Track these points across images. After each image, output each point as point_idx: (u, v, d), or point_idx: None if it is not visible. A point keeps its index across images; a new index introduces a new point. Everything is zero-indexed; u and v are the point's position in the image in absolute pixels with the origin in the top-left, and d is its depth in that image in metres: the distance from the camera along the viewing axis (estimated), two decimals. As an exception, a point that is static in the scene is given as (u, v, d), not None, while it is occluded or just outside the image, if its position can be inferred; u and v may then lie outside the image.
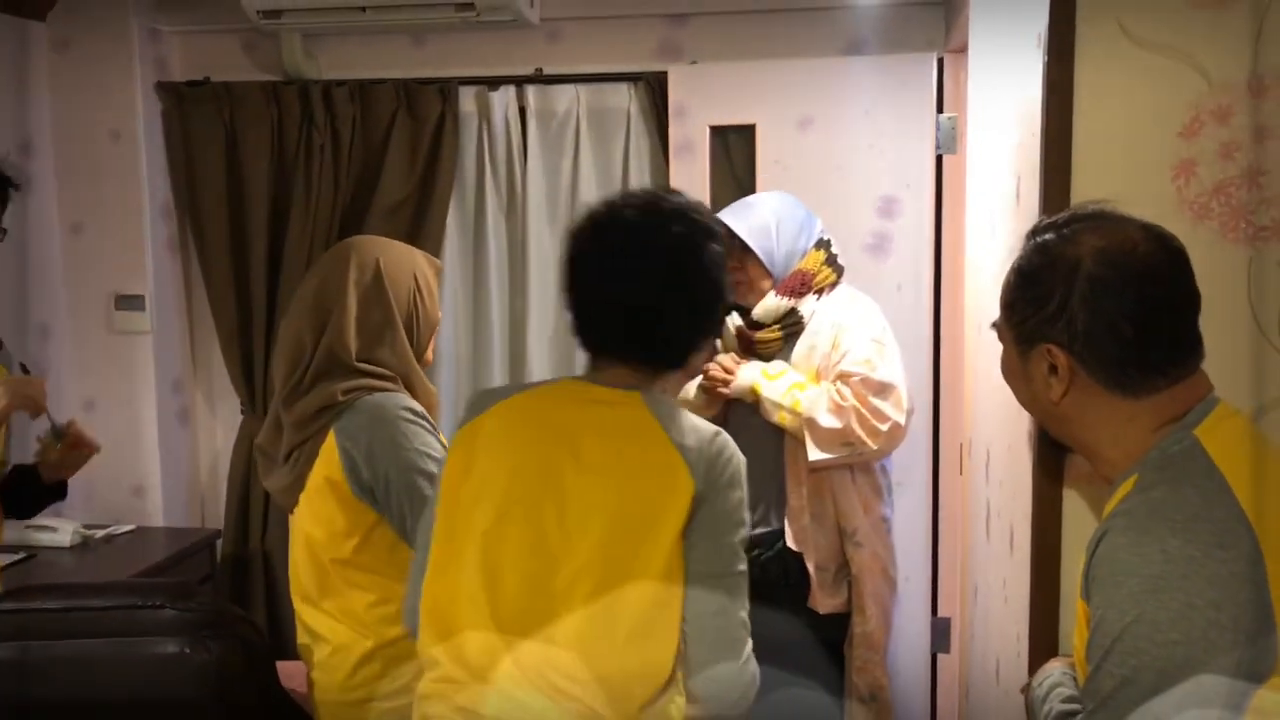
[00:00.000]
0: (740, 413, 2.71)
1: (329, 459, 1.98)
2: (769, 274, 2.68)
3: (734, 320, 2.74)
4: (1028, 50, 1.86)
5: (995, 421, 2.25)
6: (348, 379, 1.99)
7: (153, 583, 2.38)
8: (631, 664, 1.51)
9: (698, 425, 1.61)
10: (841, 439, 2.56)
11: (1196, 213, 1.59)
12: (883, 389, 2.58)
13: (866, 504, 2.70)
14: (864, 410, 2.54)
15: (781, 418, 2.60)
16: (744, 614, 1.58)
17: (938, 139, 3.33)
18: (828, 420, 2.55)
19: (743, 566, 1.59)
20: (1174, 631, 1.20)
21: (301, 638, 2.14)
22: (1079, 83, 1.60)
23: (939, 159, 3.37)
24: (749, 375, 2.65)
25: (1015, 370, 1.46)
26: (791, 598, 2.68)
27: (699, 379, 2.74)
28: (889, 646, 2.77)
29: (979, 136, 2.55)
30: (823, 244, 2.74)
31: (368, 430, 1.95)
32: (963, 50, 3.25)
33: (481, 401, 1.70)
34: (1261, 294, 1.60)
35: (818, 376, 2.64)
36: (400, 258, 2.10)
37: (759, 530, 2.69)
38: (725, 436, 1.62)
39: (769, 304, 2.67)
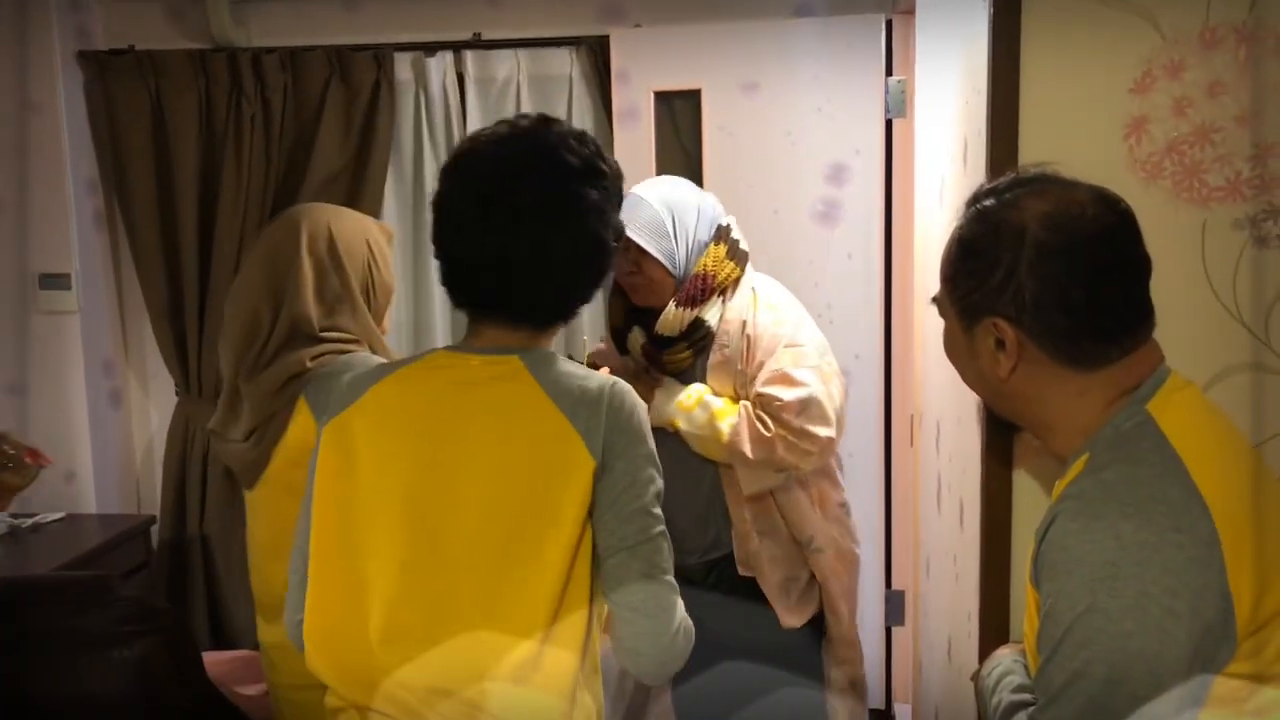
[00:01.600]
0: (670, 438, 2.41)
1: (304, 425, 1.87)
2: (671, 274, 2.36)
3: (639, 337, 2.43)
4: (977, 7, 1.78)
5: (945, 393, 2.19)
6: (312, 346, 1.92)
7: (70, 577, 2.27)
8: (535, 683, 1.41)
9: (585, 381, 1.46)
10: (772, 467, 2.33)
11: (1149, 172, 1.53)
12: (804, 407, 2.28)
13: (823, 499, 2.47)
14: (789, 436, 2.29)
15: (707, 450, 2.37)
16: (668, 578, 1.46)
17: (887, 103, 3.26)
18: (755, 452, 2.30)
19: (659, 528, 1.46)
20: (1128, 621, 1.14)
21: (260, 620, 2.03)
22: (1026, 35, 1.52)
23: (889, 124, 3.29)
24: (663, 413, 2.37)
25: (959, 347, 1.38)
26: (754, 615, 2.44)
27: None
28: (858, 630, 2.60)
29: (928, 99, 2.48)
30: (721, 233, 2.40)
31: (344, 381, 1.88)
32: (911, 11, 3.17)
33: (347, 390, 1.52)
34: (1215, 257, 1.53)
35: (736, 394, 2.38)
36: (352, 224, 2.02)
37: (714, 555, 2.44)
38: (618, 385, 1.47)
39: (670, 317, 2.35)
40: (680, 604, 1.48)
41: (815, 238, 3.30)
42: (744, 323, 2.36)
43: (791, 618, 2.44)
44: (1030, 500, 1.61)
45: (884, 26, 3.25)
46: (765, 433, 2.29)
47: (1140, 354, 1.28)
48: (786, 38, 3.28)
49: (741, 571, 2.41)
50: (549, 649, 1.41)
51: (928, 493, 2.55)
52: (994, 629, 1.62)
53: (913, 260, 3.10)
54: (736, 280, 2.40)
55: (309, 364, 1.90)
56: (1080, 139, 1.52)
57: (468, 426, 1.44)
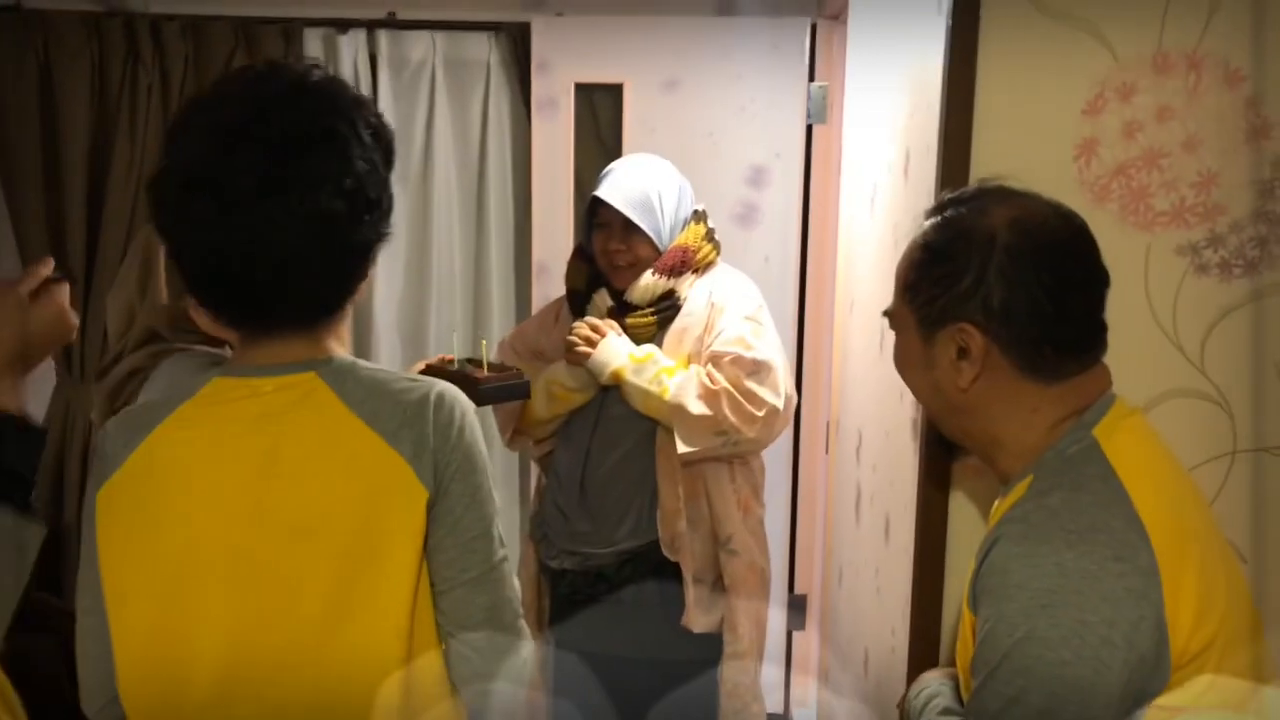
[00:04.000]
0: (605, 406, 2.41)
1: None
2: (657, 251, 2.37)
3: (604, 300, 2.43)
4: (917, 15, 1.76)
5: (870, 404, 2.17)
6: (163, 343, 1.85)
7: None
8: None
9: (401, 395, 1.27)
10: (713, 427, 2.26)
11: (1097, 194, 1.52)
12: (757, 368, 2.28)
13: (745, 506, 2.43)
14: (737, 394, 2.25)
15: (648, 405, 2.31)
16: (514, 607, 1.33)
17: (809, 108, 3.25)
18: (697, 407, 2.25)
19: (502, 553, 1.31)
20: (1065, 650, 1.13)
21: None
22: (983, 51, 1.50)
23: (809, 129, 3.28)
24: (613, 354, 2.32)
25: (915, 358, 1.34)
26: (664, 619, 2.38)
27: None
28: (760, 666, 2.49)
29: (859, 107, 2.46)
30: (700, 216, 2.46)
31: (165, 382, 1.78)
32: (837, 16, 3.17)
33: (118, 445, 1.29)
34: (1157, 282, 1.54)
35: (688, 362, 2.36)
36: None
37: (627, 545, 2.38)
38: (443, 394, 1.29)
39: (645, 283, 2.35)
40: (527, 637, 1.35)
41: (733, 239, 3.25)
42: (710, 293, 2.39)
43: (697, 617, 2.38)
44: (965, 523, 1.60)
45: (808, 30, 3.23)
46: (712, 385, 2.27)
47: (1092, 375, 1.28)
48: (710, 35, 3.25)
49: (666, 554, 2.36)
50: (407, 692, 1.27)
51: (844, 501, 2.54)
52: (923, 651, 1.60)
53: (831, 266, 3.09)
54: (710, 265, 2.45)
55: (148, 361, 1.83)
56: (1031, 158, 1.51)
57: (275, 465, 1.25)
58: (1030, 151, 1.52)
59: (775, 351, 2.35)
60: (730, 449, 2.32)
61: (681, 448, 2.28)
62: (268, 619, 1.24)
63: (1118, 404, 1.28)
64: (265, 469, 1.25)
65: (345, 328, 1.37)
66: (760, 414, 2.27)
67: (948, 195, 1.34)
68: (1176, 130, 1.51)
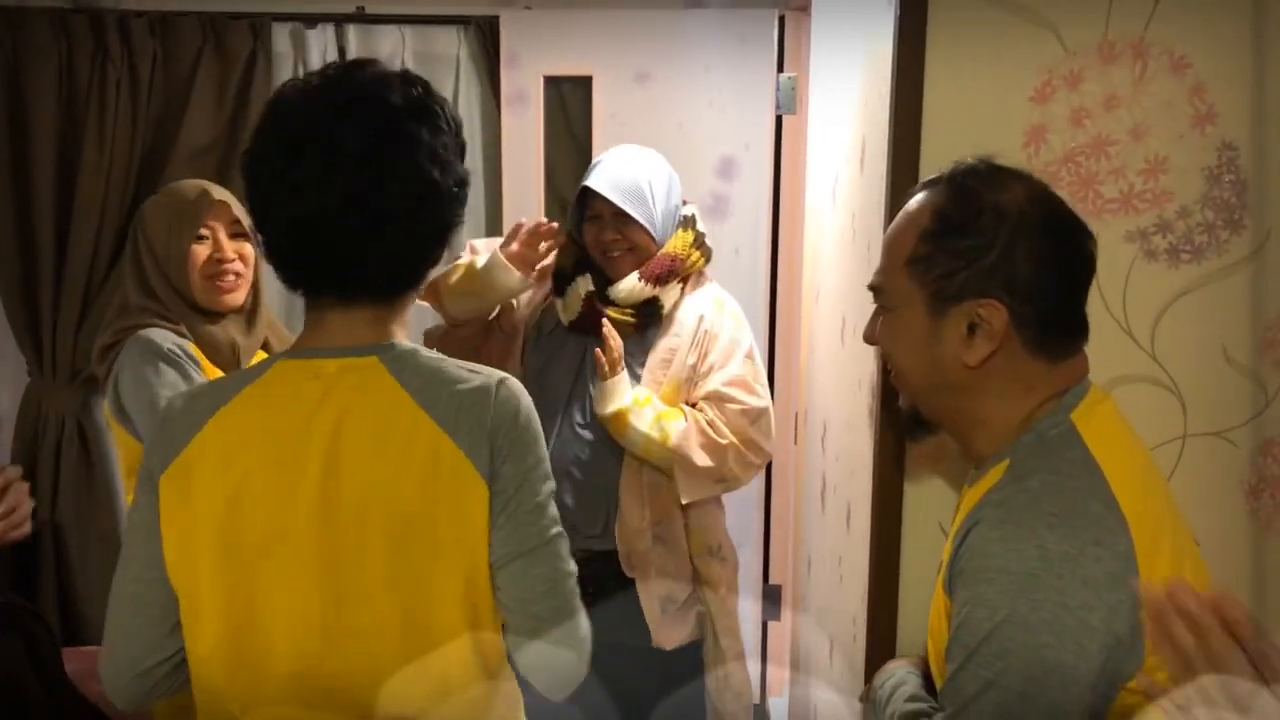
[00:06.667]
0: (568, 417, 2.38)
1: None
2: (654, 240, 2.33)
3: (585, 285, 2.36)
4: (878, 7, 1.77)
5: (833, 394, 2.18)
6: (129, 320, 2.07)
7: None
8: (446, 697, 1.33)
9: (459, 385, 1.30)
10: (716, 477, 2.29)
11: (1046, 181, 1.51)
12: (759, 416, 2.31)
13: (721, 512, 2.45)
14: (741, 446, 2.29)
15: (649, 450, 2.27)
16: (569, 579, 1.35)
17: (778, 99, 3.25)
18: (702, 458, 2.26)
19: (556, 528, 1.34)
20: (1045, 633, 1.13)
21: None
22: (931, 40, 1.51)
23: (779, 120, 3.29)
24: (624, 391, 2.27)
25: (915, 333, 1.29)
26: (631, 636, 2.34)
27: None
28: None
29: (823, 97, 2.47)
30: (689, 221, 2.40)
31: (123, 359, 2.02)
32: (804, 8, 3.17)
33: (178, 430, 1.32)
34: (1107, 269, 1.55)
35: (676, 389, 2.33)
36: (164, 198, 2.11)
37: (598, 546, 2.32)
38: (505, 387, 1.31)
39: (629, 287, 2.30)
40: (583, 612, 1.37)
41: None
42: (702, 317, 2.36)
43: (665, 636, 2.35)
44: (920, 511, 1.61)
45: (776, 22, 3.24)
46: (720, 440, 2.28)
47: (1080, 358, 1.29)
48: (679, 28, 3.25)
49: (627, 572, 2.33)
50: (461, 671, 1.33)
51: (811, 491, 2.55)
52: (880, 639, 1.61)
53: (800, 257, 3.10)
54: (699, 273, 2.42)
55: (114, 336, 2.07)
56: (981, 145, 1.49)
57: (336, 447, 1.28)
58: (980, 139, 1.52)
59: (767, 392, 2.38)
60: (721, 490, 2.37)
61: (686, 497, 2.31)
62: (334, 600, 1.28)
63: (1093, 390, 1.28)
64: (327, 451, 1.28)
65: (408, 316, 1.41)
66: (758, 463, 2.33)
67: (961, 165, 1.30)
68: (1124, 117, 1.52)
